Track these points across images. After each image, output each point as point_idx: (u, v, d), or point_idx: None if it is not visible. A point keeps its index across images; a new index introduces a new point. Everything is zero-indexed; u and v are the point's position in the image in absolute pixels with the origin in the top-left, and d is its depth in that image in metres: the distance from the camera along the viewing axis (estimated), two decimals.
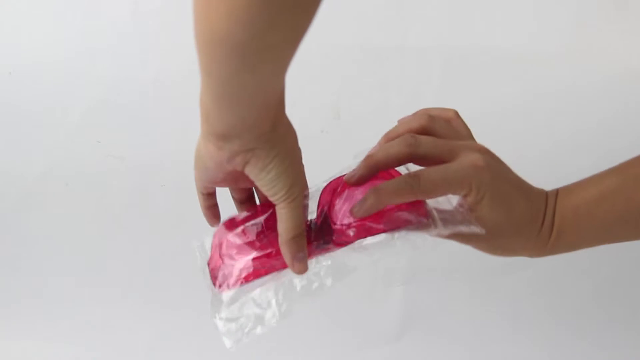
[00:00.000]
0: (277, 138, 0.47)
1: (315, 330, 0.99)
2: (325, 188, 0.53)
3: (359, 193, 0.51)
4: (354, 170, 0.51)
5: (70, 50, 1.19)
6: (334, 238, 0.51)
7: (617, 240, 0.53)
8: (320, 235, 0.52)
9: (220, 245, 0.53)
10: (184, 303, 0.97)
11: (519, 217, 0.50)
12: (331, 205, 0.51)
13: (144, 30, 1.17)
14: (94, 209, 1.13)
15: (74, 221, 1.12)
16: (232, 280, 0.51)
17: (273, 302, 0.52)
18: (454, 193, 0.49)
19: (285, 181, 0.48)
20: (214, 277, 0.52)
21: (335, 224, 0.51)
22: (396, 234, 0.50)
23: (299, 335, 0.98)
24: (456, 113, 0.57)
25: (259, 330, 0.52)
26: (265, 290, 0.52)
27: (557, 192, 0.53)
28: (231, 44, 0.38)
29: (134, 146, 1.15)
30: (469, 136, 0.55)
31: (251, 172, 0.47)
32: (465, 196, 0.49)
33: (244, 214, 0.54)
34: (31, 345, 1.01)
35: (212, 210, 0.57)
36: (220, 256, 0.52)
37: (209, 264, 0.53)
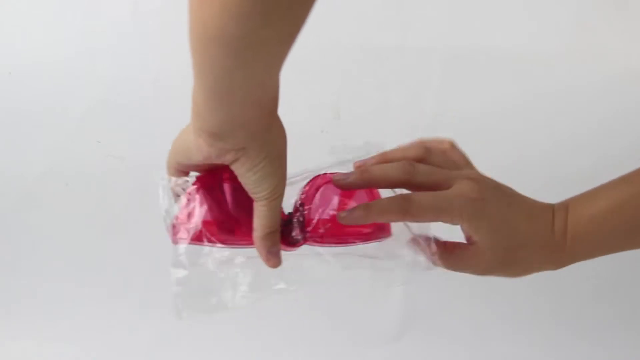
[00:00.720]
0: (269, 139, 0.47)
1: (315, 330, 0.99)
2: (306, 184, 0.53)
3: (337, 197, 0.52)
4: (346, 174, 0.52)
5: (70, 50, 1.19)
6: (305, 234, 0.52)
7: (636, 246, 0.53)
8: (291, 228, 0.52)
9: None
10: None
11: (524, 236, 0.51)
12: (308, 201, 0.52)
13: (144, 30, 1.17)
14: (94, 209, 1.13)
15: (74, 221, 1.12)
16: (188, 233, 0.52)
17: (242, 282, 0.52)
18: (443, 220, 0.50)
19: (270, 182, 0.48)
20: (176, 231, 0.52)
21: (310, 220, 0.52)
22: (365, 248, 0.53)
23: (299, 335, 0.98)
24: (452, 144, 0.58)
25: (217, 306, 0.52)
26: (230, 265, 0.52)
27: (567, 204, 0.53)
28: (225, 40, 0.38)
29: (134, 146, 1.15)
30: (467, 164, 0.56)
31: (238, 169, 0.47)
32: (460, 225, 0.50)
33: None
34: (31, 345, 1.01)
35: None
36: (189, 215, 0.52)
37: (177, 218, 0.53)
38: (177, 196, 0.53)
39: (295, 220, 0.52)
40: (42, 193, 1.16)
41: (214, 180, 0.52)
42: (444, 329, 0.99)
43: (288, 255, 0.52)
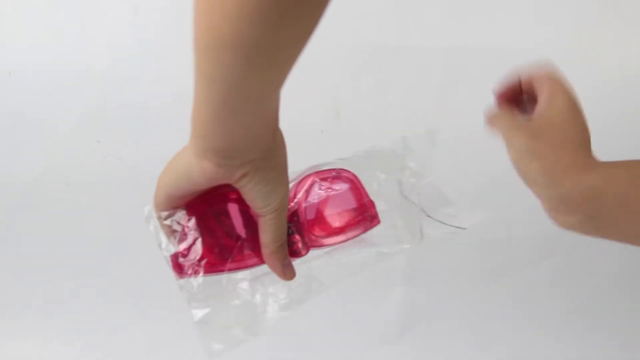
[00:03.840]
0: (274, 147, 0.45)
1: (315, 330, 0.99)
2: (292, 190, 0.53)
3: (323, 196, 0.53)
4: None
5: (70, 50, 1.19)
6: (306, 241, 0.52)
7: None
8: (293, 239, 0.52)
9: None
10: (184, 304, 0.97)
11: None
12: (300, 207, 0.53)
13: (144, 30, 1.17)
14: (94, 209, 1.13)
15: (73, 221, 1.12)
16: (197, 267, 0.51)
17: (260, 305, 0.52)
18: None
19: (279, 193, 0.47)
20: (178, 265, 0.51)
21: (305, 225, 0.52)
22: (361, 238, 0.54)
23: (299, 335, 0.98)
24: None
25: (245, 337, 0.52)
26: (241, 291, 0.52)
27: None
28: (240, 45, 0.35)
29: (133, 146, 1.15)
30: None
31: (246, 184, 0.45)
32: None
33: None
34: (31, 345, 1.01)
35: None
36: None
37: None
38: (173, 231, 0.50)
39: (294, 229, 0.52)
40: (42, 193, 1.16)
41: (204, 207, 0.50)
42: (444, 329, 0.99)
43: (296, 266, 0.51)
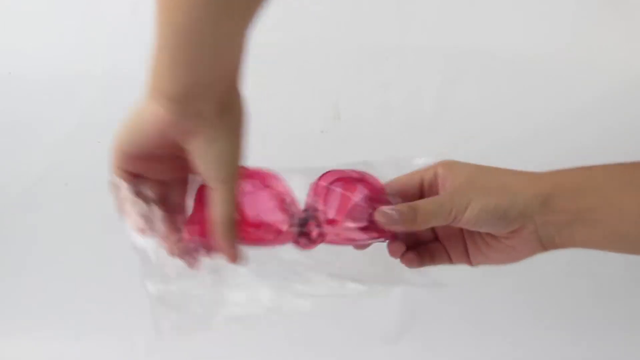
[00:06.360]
0: (231, 112, 0.44)
1: (315, 330, 0.98)
2: (316, 181, 0.53)
3: (352, 196, 0.52)
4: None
5: (70, 50, 1.19)
6: (322, 233, 0.52)
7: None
8: (308, 227, 0.52)
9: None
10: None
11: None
12: (321, 199, 0.52)
13: (144, 29, 1.16)
14: (94, 209, 1.13)
15: (73, 221, 1.12)
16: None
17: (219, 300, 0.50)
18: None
19: (231, 159, 0.45)
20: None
21: (327, 218, 0.52)
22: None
23: (299, 335, 0.98)
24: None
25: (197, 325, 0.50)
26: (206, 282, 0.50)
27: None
28: None
29: None
30: None
31: (195, 145, 0.44)
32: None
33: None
34: (31, 345, 1.01)
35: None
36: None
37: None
38: (133, 204, 0.48)
39: (311, 218, 0.51)
40: (42, 193, 1.16)
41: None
42: (444, 329, 0.99)
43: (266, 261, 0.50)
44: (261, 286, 0.50)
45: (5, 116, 1.20)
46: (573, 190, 0.49)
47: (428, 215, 0.49)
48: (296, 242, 0.51)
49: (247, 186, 0.50)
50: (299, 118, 1.05)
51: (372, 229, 0.52)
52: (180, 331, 0.49)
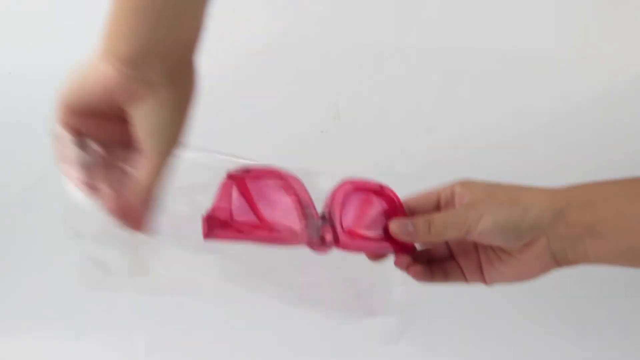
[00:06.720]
0: (182, 83, 0.44)
1: (315, 330, 0.98)
2: (337, 190, 0.53)
3: (372, 207, 0.53)
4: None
5: (70, 50, 1.19)
6: (337, 238, 0.52)
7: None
8: (325, 231, 0.52)
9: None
10: (185, 303, 0.97)
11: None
12: (339, 206, 0.52)
13: None
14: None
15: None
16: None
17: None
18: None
19: (171, 132, 0.44)
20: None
21: (343, 225, 0.52)
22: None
23: (299, 334, 0.98)
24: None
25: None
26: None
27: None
28: None
29: None
30: None
31: (141, 111, 0.43)
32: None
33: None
34: (31, 345, 1.01)
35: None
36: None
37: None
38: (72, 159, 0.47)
39: (327, 222, 0.52)
40: (42, 193, 1.16)
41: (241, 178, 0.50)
42: (444, 329, 0.99)
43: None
44: (187, 259, 0.50)
45: (5, 116, 1.20)
46: (584, 204, 0.49)
47: (442, 227, 0.50)
48: (310, 245, 0.51)
49: (265, 185, 0.51)
50: (299, 118, 1.05)
51: (387, 239, 0.53)
52: (102, 288, 0.50)
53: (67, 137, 0.48)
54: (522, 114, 1.07)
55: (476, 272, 0.54)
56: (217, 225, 0.48)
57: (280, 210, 0.50)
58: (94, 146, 0.48)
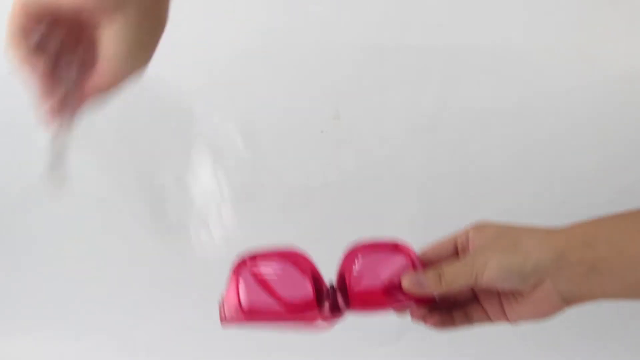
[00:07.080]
0: (154, 9, 0.44)
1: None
2: (348, 254, 0.54)
3: (379, 268, 0.54)
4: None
5: None
6: (348, 304, 0.53)
7: None
8: (335, 299, 0.53)
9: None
10: (185, 303, 0.97)
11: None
12: (350, 270, 0.54)
13: None
14: (94, 209, 1.13)
15: (73, 221, 1.12)
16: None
17: None
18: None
19: (134, 56, 0.45)
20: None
21: (351, 288, 0.53)
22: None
23: (298, 335, 0.98)
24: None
25: None
26: None
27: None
28: None
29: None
30: None
31: (108, 31, 0.43)
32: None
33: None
34: (31, 345, 1.01)
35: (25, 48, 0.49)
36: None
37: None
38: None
39: (338, 289, 0.53)
40: (42, 193, 1.16)
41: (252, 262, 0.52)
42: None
43: None
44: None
45: (5, 116, 1.20)
46: (584, 242, 0.51)
47: (452, 277, 0.51)
48: (323, 317, 0.52)
49: (277, 267, 0.52)
50: (299, 118, 1.05)
51: (404, 294, 0.53)
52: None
53: (24, 35, 0.47)
54: (522, 114, 1.07)
55: (499, 312, 0.55)
56: (233, 309, 0.51)
57: (293, 288, 0.52)
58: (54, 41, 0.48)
